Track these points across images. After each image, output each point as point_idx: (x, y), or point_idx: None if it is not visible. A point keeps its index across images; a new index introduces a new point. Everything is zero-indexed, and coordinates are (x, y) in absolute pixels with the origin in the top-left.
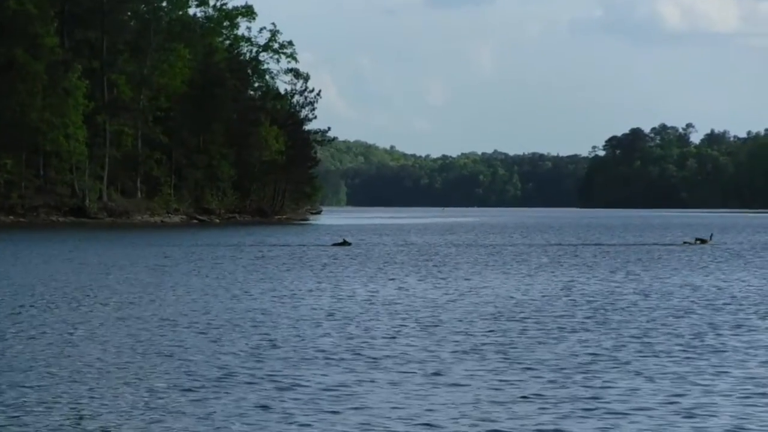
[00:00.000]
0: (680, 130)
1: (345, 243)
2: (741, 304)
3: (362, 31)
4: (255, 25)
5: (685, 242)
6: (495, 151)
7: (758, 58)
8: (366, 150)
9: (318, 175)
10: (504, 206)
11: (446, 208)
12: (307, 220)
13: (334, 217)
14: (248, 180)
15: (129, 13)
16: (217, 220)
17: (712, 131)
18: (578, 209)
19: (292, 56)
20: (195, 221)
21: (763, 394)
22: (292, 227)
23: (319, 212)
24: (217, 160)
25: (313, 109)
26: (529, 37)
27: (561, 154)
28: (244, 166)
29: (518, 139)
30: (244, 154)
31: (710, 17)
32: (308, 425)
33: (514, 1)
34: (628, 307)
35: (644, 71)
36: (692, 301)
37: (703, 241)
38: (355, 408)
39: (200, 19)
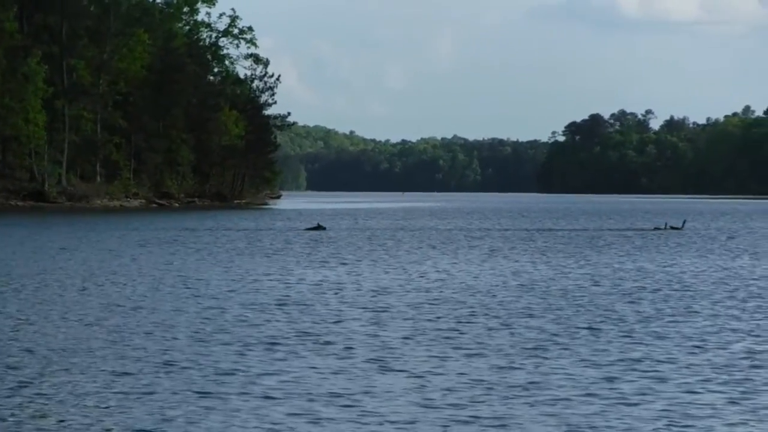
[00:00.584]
0: (640, 117)
1: (319, 227)
2: (693, 290)
3: (322, 16)
4: (215, 11)
5: (656, 228)
6: (455, 136)
7: (717, 45)
8: (326, 135)
9: (278, 160)
10: (464, 191)
11: (405, 193)
12: (266, 204)
13: (293, 202)
14: (208, 165)
15: None
16: (177, 205)
17: (672, 118)
18: (538, 194)
19: (252, 42)
20: (154, 205)
21: (707, 380)
22: (250, 212)
23: (278, 197)
24: (176, 145)
25: (273, 94)
26: (488, 23)
27: (521, 140)
28: (203, 151)
29: (478, 125)
30: (204, 139)
31: (669, 5)
32: (242, 410)
33: None
34: (575, 292)
35: (604, 58)
36: (642, 287)
37: (675, 228)
38: (296, 394)
39: (160, 5)
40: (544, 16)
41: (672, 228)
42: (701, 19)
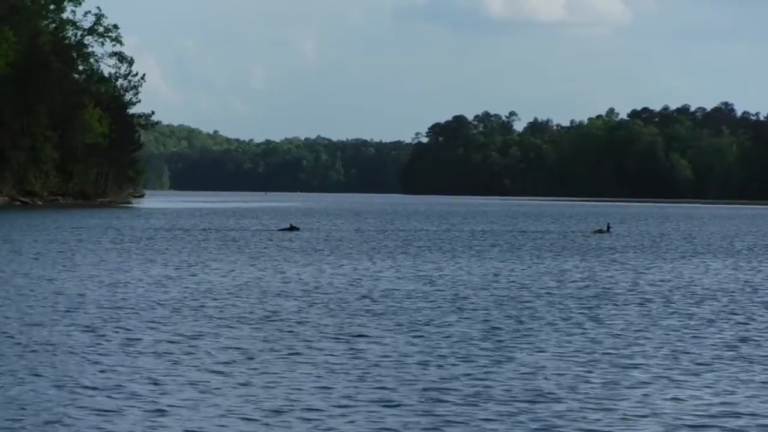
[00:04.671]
0: (503, 118)
1: (292, 228)
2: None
3: (186, 14)
4: (80, 9)
5: (595, 231)
6: (318, 137)
7: (581, 47)
8: (189, 134)
9: (141, 159)
10: (327, 191)
11: (268, 193)
12: (129, 203)
13: (156, 201)
14: (71, 163)
15: None
16: (40, 203)
17: (535, 119)
18: (401, 195)
19: (117, 40)
20: (17, 203)
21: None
22: (112, 210)
23: (141, 195)
24: (40, 143)
25: (137, 93)
26: (352, 23)
27: (384, 141)
28: (67, 149)
29: (342, 125)
30: (68, 137)
31: (534, 6)
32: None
33: None
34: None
35: (468, 59)
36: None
37: (601, 232)
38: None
39: (26, 2)
40: (410, 17)
41: (597, 232)
42: (566, 21)
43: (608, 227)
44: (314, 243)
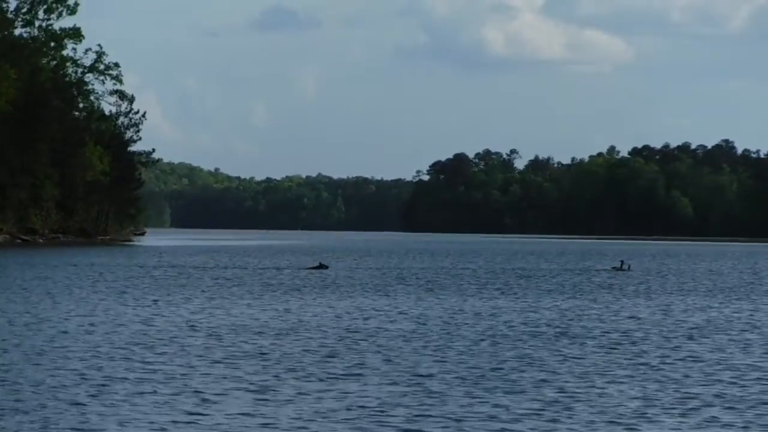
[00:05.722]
0: (504, 156)
1: (321, 266)
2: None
3: (186, 53)
4: (81, 46)
5: (613, 267)
6: (319, 174)
7: (582, 85)
8: (190, 172)
9: (142, 197)
10: (328, 229)
11: (269, 231)
12: (130, 241)
13: (157, 239)
14: (72, 200)
15: None
16: (41, 241)
17: (536, 157)
18: (402, 233)
19: (118, 78)
20: (18, 241)
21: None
22: (112, 248)
23: (142, 233)
24: (41, 180)
25: (138, 131)
26: (353, 61)
27: (385, 178)
28: (68, 187)
29: (342, 163)
30: (69, 175)
31: (535, 44)
32: None
33: (339, 25)
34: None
35: (469, 97)
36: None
37: (621, 269)
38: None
39: (26, 39)
40: (410, 55)
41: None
42: (567, 59)
43: (629, 266)
44: (347, 281)
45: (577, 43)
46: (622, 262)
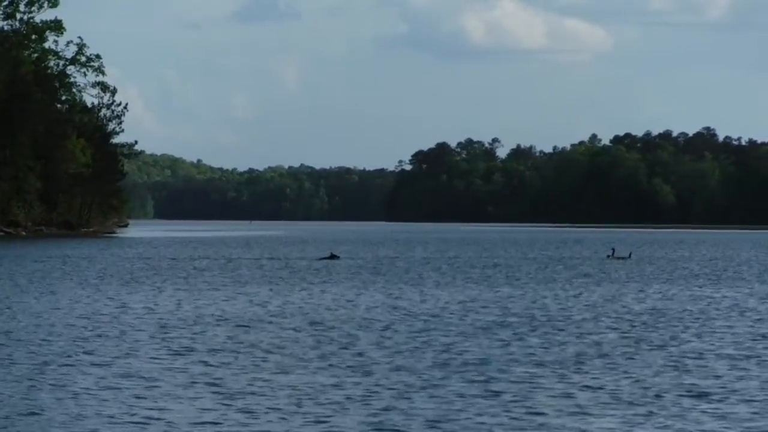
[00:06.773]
0: (486, 145)
1: (333, 257)
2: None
3: (168, 45)
4: (62, 39)
5: (608, 256)
6: (302, 165)
7: (563, 74)
8: (173, 163)
9: (125, 189)
10: (311, 220)
11: (252, 222)
12: (113, 233)
13: (140, 230)
14: (55, 193)
15: None
16: (24, 233)
17: (518, 146)
18: (385, 223)
19: (100, 70)
20: (1, 234)
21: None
22: (95, 240)
23: (126, 225)
24: (23, 173)
25: (120, 123)
26: (334, 52)
27: (368, 168)
28: (51, 179)
29: (325, 153)
30: (51, 167)
31: (516, 33)
32: None
33: (319, 16)
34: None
35: (450, 86)
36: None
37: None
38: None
39: (7, 33)
40: (391, 45)
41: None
42: (548, 48)
43: (629, 253)
44: (360, 270)
45: (558, 32)
46: (613, 250)
